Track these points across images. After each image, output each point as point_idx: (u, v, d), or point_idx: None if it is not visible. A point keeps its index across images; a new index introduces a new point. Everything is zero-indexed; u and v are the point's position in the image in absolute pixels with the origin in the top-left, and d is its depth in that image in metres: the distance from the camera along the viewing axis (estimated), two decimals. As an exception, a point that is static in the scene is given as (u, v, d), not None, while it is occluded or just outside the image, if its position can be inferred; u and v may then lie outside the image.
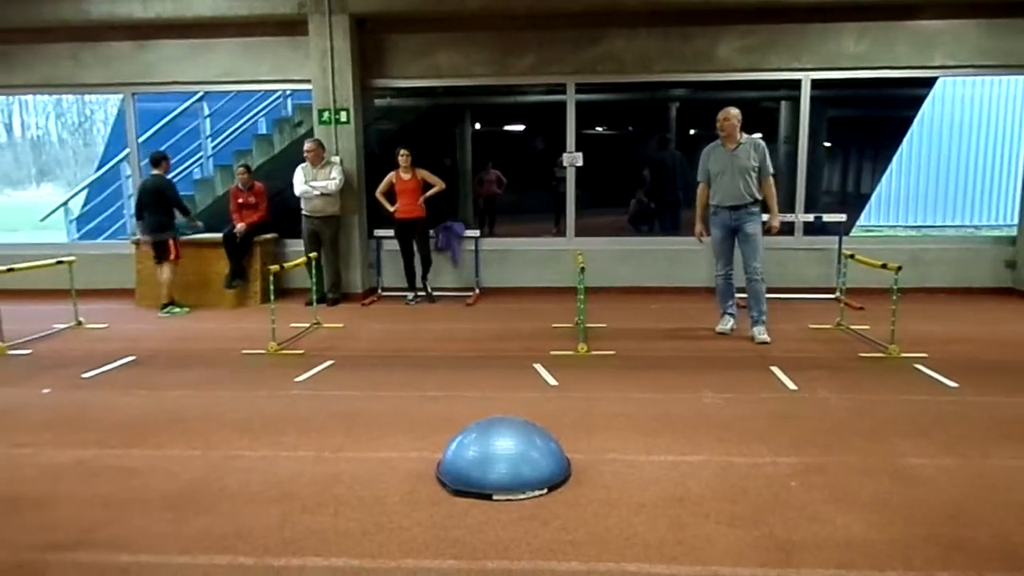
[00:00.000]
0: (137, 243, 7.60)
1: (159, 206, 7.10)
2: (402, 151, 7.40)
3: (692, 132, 9.96)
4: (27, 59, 8.02)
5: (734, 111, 5.74)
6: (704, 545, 2.63)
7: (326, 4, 7.28)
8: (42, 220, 11.40)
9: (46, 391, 4.62)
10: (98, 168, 12.64)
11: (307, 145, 7.36)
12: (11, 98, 23.65)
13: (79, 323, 6.56)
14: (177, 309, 7.19)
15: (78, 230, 10.77)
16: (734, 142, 5.75)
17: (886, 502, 2.95)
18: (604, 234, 8.42)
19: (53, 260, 6.53)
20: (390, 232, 7.74)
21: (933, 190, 14.38)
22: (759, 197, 5.78)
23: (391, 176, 7.47)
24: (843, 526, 2.75)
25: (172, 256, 7.13)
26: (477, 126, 10.21)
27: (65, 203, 10.83)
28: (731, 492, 3.05)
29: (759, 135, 6.35)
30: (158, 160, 7.20)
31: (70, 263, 6.57)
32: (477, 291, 7.93)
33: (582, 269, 5.60)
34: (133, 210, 7.26)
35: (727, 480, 3.17)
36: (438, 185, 7.54)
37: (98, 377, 4.94)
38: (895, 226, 14.34)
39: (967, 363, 5.02)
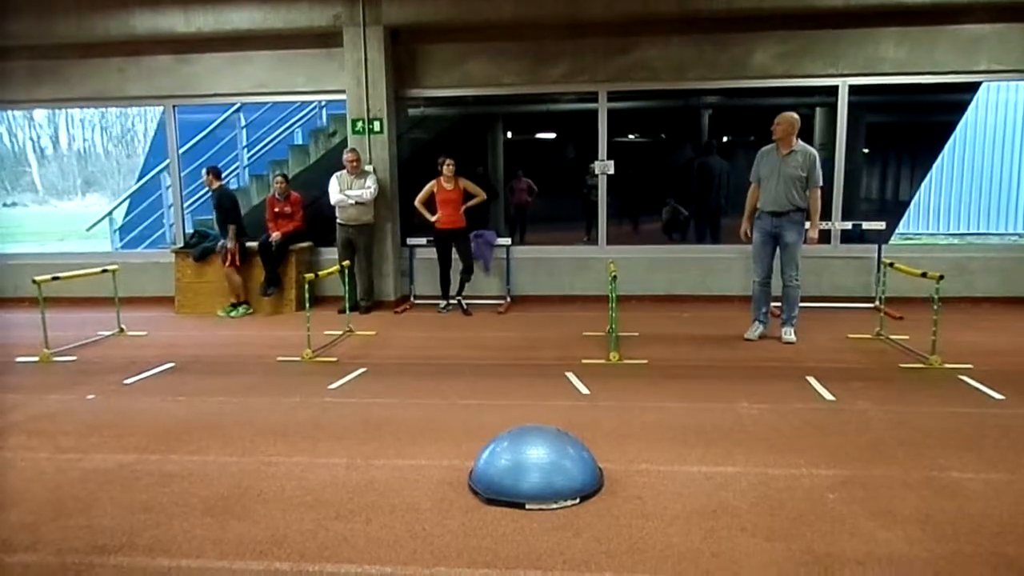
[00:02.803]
0: (204, 252, 7.80)
1: (238, 215, 7.69)
2: (447, 160, 7.32)
3: (726, 139, 9.88)
4: (77, 73, 8.29)
5: (788, 116, 5.67)
6: (741, 558, 2.58)
7: (361, 16, 7.40)
8: (88, 230, 11.75)
9: (90, 397, 4.74)
10: (139, 179, 12.99)
11: (347, 155, 7.45)
12: (57, 111, 24.48)
13: (121, 330, 6.73)
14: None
15: (121, 239, 11.07)
16: (788, 147, 5.68)
17: (929, 517, 2.87)
18: (636, 242, 8.38)
19: (97, 269, 6.71)
20: (423, 240, 7.79)
21: (976, 196, 14.02)
22: (802, 206, 5.71)
23: (432, 185, 7.42)
24: (884, 541, 2.69)
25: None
26: (509, 135, 10.26)
27: (109, 213, 11.13)
28: (767, 504, 2.99)
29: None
30: (221, 174, 7.80)
31: (113, 271, 6.75)
32: (508, 299, 7.94)
33: (614, 277, 5.57)
34: (217, 217, 7.70)
35: (763, 492, 3.11)
36: (480, 195, 7.50)
37: (139, 383, 5.05)
38: (935, 234, 14.00)
39: (1014, 374, 4.87)
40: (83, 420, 4.26)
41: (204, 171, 7.65)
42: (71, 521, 2.97)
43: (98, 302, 7.45)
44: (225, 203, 7.59)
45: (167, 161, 8.80)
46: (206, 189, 7.82)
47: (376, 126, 7.65)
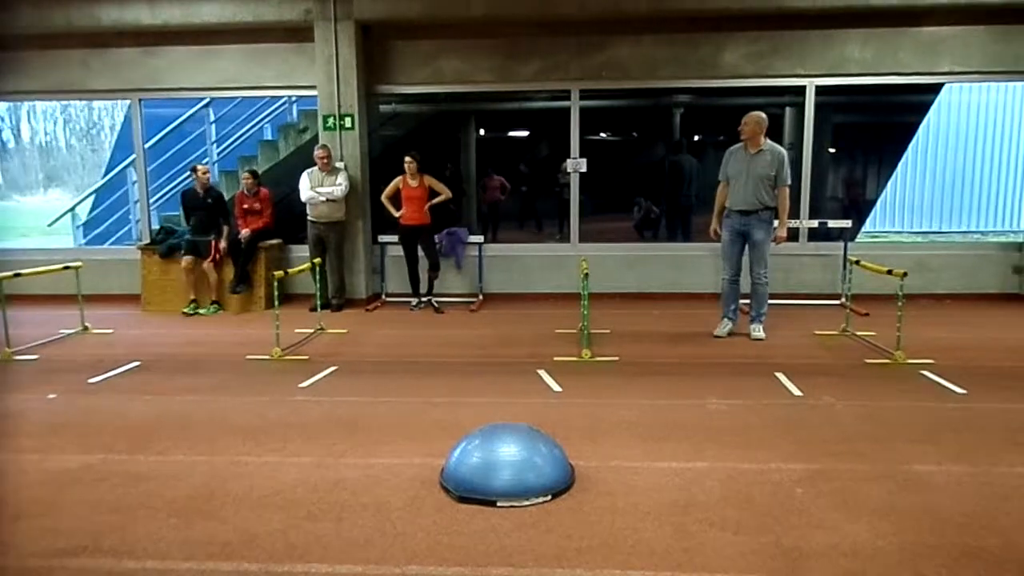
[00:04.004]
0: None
1: None
2: (408, 157, 7.34)
3: (697, 138, 9.97)
4: (38, 65, 8.07)
5: (755, 116, 5.70)
6: (710, 553, 2.61)
7: (332, 11, 7.32)
8: (50, 225, 11.46)
9: (52, 396, 4.63)
10: (105, 174, 12.71)
11: (318, 151, 7.37)
12: (20, 104, 23.84)
13: (85, 328, 6.58)
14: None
15: (84, 235, 10.81)
16: (756, 147, 5.73)
17: (894, 509, 2.93)
18: (608, 240, 8.42)
19: (60, 265, 6.56)
20: (394, 238, 7.75)
21: (939, 196, 14.34)
22: (771, 205, 5.77)
23: (398, 181, 7.42)
24: (850, 534, 2.74)
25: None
26: (481, 132, 10.24)
27: (72, 209, 10.87)
28: (736, 499, 3.03)
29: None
30: None
31: (77, 268, 6.59)
32: (481, 297, 7.93)
33: (586, 275, 5.60)
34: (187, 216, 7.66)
35: (732, 487, 3.15)
36: (444, 194, 7.50)
37: (104, 383, 4.95)
38: (900, 232, 14.31)
39: (975, 369, 5.00)
40: (45, 420, 4.16)
41: (201, 168, 7.51)
42: (33, 523, 2.89)
43: (61, 300, 7.28)
44: (222, 200, 7.60)
45: (133, 156, 8.62)
46: (174, 185, 7.68)
47: (347, 122, 7.58)
